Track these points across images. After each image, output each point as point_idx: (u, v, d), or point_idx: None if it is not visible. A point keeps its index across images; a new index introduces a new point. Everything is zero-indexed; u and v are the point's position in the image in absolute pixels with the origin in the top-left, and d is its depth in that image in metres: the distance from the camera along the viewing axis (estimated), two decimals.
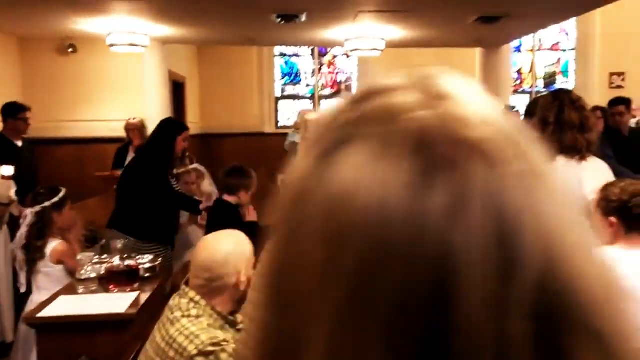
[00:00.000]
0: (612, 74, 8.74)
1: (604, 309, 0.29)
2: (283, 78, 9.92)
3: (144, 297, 2.62)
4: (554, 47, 9.52)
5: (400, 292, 0.27)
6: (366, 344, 0.28)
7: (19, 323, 3.04)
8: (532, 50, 9.54)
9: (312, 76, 9.94)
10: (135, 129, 5.18)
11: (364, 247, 0.28)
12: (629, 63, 8.68)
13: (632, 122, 5.06)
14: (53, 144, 6.48)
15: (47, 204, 2.95)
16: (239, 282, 1.71)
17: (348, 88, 9.84)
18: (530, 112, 2.43)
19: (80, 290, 2.71)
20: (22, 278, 2.99)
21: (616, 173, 2.30)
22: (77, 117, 6.62)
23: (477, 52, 8.07)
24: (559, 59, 9.53)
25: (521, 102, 8.21)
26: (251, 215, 3.21)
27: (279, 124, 9.70)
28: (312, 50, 9.79)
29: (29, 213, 2.94)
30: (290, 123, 8.95)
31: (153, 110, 6.48)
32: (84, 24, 5.62)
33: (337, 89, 9.92)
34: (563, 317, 0.28)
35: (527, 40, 9.15)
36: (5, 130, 4.43)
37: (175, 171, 3.78)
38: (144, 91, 6.65)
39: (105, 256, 2.93)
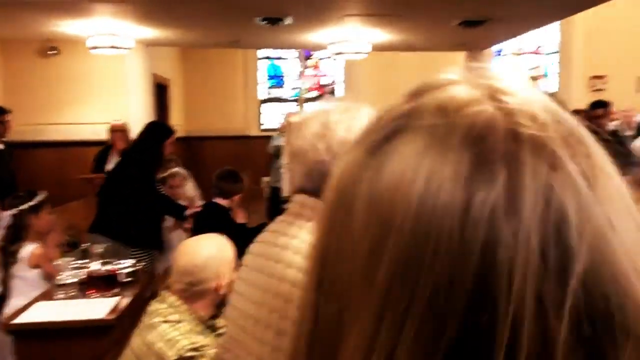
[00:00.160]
0: (593, 77, 8.86)
1: None
2: (269, 80, 9.91)
3: (125, 302, 2.59)
4: (537, 51, 9.63)
5: (443, 282, 0.28)
6: (406, 331, 0.28)
7: None
8: (515, 54, 9.64)
9: (298, 79, 9.94)
10: (119, 131, 5.13)
11: (408, 235, 0.28)
12: (610, 66, 8.81)
13: (613, 125, 5.12)
14: (34, 147, 6.40)
15: (24, 207, 2.90)
16: (220, 286, 1.69)
17: (332, 91, 9.86)
18: None
19: (59, 296, 2.67)
20: None
21: None
22: (59, 119, 6.54)
23: (462, 56, 8.13)
24: (540, 63, 9.63)
25: None
26: (240, 218, 3.25)
27: (264, 127, 9.68)
28: (299, 53, 9.80)
29: (6, 216, 2.89)
30: (275, 126, 8.94)
31: (136, 113, 6.43)
32: (66, 26, 5.56)
33: (322, 92, 9.93)
34: (607, 320, 0.28)
35: (511, 44, 9.24)
36: None
37: (160, 175, 3.76)
38: (126, 93, 6.60)
39: (85, 261, 2.89)
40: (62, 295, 2.67)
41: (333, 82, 9.94)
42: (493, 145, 0.29)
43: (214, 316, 1.72)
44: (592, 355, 0.27)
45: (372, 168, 0.31)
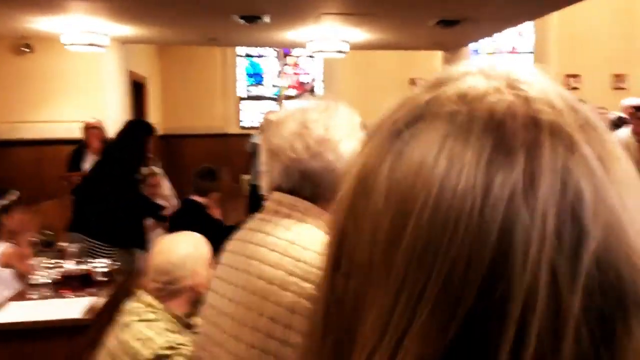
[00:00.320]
0: (567, 76, 9.01)
1: None
2: (249, 78, 9.86)
3: (101, 301, 2.56)
4: (512, 51, 9.75)
5: (459, 263, 0.28)
6: (420, 311, 0.29)
7: None
8: (491, 54, 9.75)
9: (278, 77, 9.92)
10: (95, 129, 5.06)
11: (428, 218, 0.29)
12: (584, 65, 8.97)
13: None
14: (9, 146, 6.29)
15: None
16: (196, 284, 1.69)
17: (312, 89, 9.86)
18: None
19: (34, 296, 2.63)
20: None
21: None
22: (34, 118, 6.43)
23: (440, 55, 8.20)
24: (516, 62, 9.75)
25: None
26: (216, 215, 3.26)
27: (243, 125, 9.63)
28: (278, 52, 9.77)
29: None
30: (254, 124, 8.90)
31: (112, 111, 6.36)
32: (40, 23, 5.47)
33: (302, 90, 9.92)
34: (619, 295, 0.29)
35: (487, 44, 9.35)
36: None
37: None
38: (103, 92, 6.52)
39: (60, 260, 2.85)
40: (35, 296, 2.63)
41: (313, 80, 9.94)
42: (513, 130, 0.30)
43: (191, 314, 1.72)
44: (603, 330, 0.28)
45: (392, 153, 0.32)
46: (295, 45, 7.61)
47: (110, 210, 3.36)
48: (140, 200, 3.57)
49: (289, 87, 9.94)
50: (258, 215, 1.17)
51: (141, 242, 3.58)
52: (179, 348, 1.57)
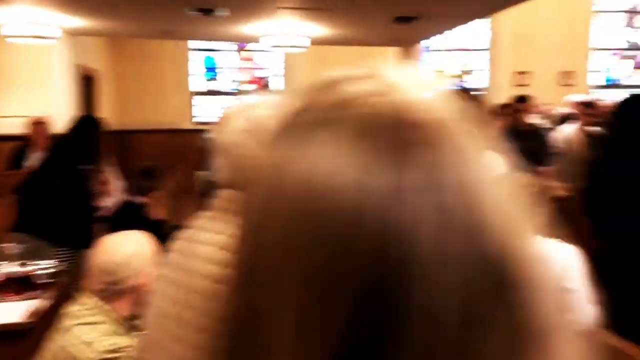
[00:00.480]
0: (517, 73, 9.26)
1: (528, 284, 0.31)
2: (207, 73, 9.72)
3: (44, 304, 2.46)
4: (466, 48, 9.94)
5: (341, 265, 0.30)
6: (312, 318, 0.30)
7: None
8: (445, 50, 9.91)
9: (236, 71, 9.81)
10: (41, 125, 4.87)
11: (314, 224, 0.30)
12: (534, 63, 9.25)
13: (535, 118, 5.36)
14: None
15: None
16: (141, 285, 1.64)
17: (267, 84, 9.80)
18: None
19: None
20: None
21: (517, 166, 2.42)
22: None
23: (396, 51, 8.28)
24: (470, 60, 9.96)
25: None
26: (158, 214, 3.18)
27: (197, 120, 9.48)
28: (237, 46, 9.66)
29: None
30: (211, 119, 8.78)
31: (60, 106, 6.15)
32: None
33: (258, 85, 9.85)
34: (491, 276, 0.30)
35: (442, 41, 9.50)
36: None
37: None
38: (50, 85, 6.29)
39: (1, 262, 2.73)
40: None
41: (269, 75, 9.87)
42: (384, 134, 0.31)
43: (137, 315, 1.67)
44: (477, 321, 0.30)
45: (281, 165, 0.33)
46: (251, 39, 7.54)
47: (60, 206, 3.24)
48: (86, 197, 3.45)
49: (248, 82, 9.85)
50: (206, 214, 1.15)
51: (89, 242, 3.47)
52: (125, 350, 1.52)
